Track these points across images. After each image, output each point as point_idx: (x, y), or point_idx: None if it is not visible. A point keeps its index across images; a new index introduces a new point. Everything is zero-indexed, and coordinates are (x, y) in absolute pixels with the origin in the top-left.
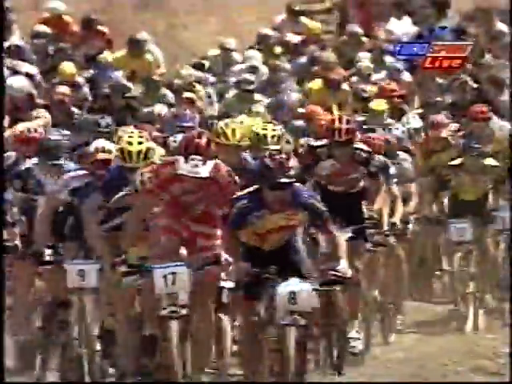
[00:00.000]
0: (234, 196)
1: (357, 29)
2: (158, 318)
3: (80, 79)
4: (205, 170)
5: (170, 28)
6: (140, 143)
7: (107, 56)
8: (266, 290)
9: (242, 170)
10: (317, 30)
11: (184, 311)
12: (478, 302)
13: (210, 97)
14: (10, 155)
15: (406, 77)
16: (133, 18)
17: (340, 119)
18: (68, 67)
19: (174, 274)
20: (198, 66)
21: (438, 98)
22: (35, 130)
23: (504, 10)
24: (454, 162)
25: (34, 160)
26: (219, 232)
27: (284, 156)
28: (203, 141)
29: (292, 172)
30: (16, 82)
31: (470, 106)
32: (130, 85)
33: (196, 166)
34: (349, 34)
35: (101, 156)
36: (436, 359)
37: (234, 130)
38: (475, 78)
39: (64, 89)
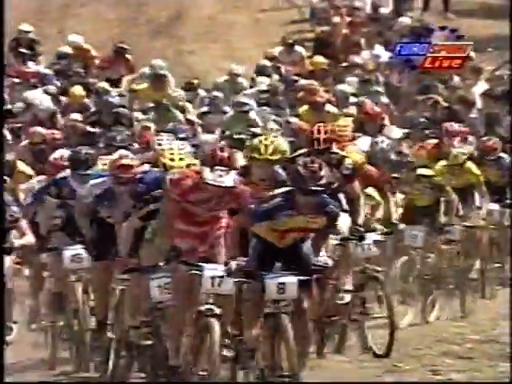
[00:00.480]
0: (269, 194)
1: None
2: (197, 313)
3: (87, 100)
4: (228, 180)
5: (179, 54)
6: (181, 159)
7: (132, 85)
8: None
9: (274, 182)
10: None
11: (218, 311)
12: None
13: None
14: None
15: (385, 99)
16: (146, 45)
17: (319, 129)
18: (78, 90)
19: (221, 277)
20: (188, 87)
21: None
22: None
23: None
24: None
25: (68, 171)
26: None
27: (317, 165)
28: (226, 153)
29: (324, 180)
30: (44, 102)
31: (441, 122)
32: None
33: (220, 175)
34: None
35: (124, 161)
36: (410, 344)
37: (266, 146)
38: (445, 98)
39: (75, 115)
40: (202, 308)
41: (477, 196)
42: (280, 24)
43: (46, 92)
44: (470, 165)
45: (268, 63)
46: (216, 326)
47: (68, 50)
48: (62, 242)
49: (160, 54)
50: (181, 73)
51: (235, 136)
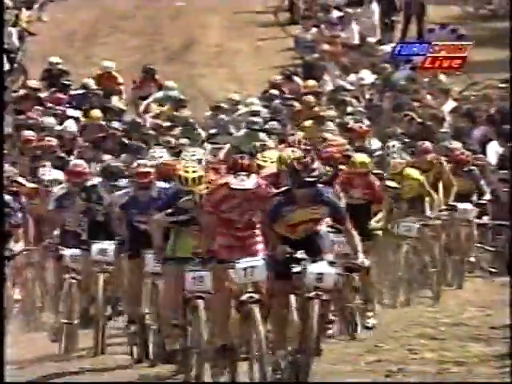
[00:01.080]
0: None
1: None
2: (240, 303)
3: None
4: (249, 183)
5: (190, 77)
6: (194, 171)
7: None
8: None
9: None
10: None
11: (258, 297)
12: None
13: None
14: None
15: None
16: (161, 69)
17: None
18: (95, 113)
19: (252, 267)
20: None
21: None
22: None
23: None
24: None
25: (99, 179)
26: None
27: (309, 159)
28: (246, 161)
29: (316, 172)
30: (69, 127)
31: (416, 136)
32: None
33: (243, 180)
34: None
35: (142, 169)
36: (390, 327)
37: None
38: (419, 115)
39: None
40: (244, 297)
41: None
42: (277, 51)
43: (72, 116)
44: (408, 171)
45: (275, 92)
46: (257, 310)
47: (91, 82)
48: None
49: (174, 77)
50: (192, 94)
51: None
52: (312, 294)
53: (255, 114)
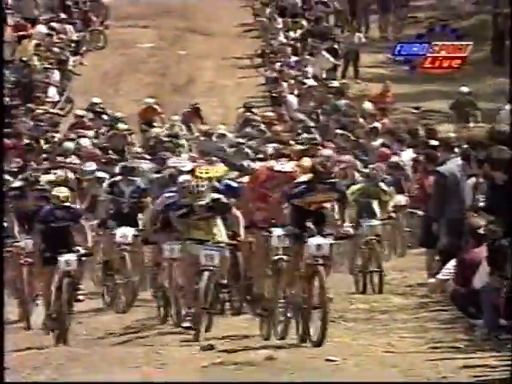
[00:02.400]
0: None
1: None
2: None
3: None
4: (288, 167)
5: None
6: (206, 173)
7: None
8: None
9: None
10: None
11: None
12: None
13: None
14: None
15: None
16: (169, 99)
17: None
18: (121, 125)
19: (285, 235)
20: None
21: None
22: None
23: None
24: None
25: (120, 177)
26: None
27: (329, 164)
28: (286, 151)
29: (333, 174)
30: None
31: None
32: None
33: (282, 164)
34: None
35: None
36: (336, 287)
37: None
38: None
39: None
40: (276, 258)
41: None
42: (253, 86)
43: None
44: None
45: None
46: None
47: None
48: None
49: (178, 105)
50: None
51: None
52: (314, 261)
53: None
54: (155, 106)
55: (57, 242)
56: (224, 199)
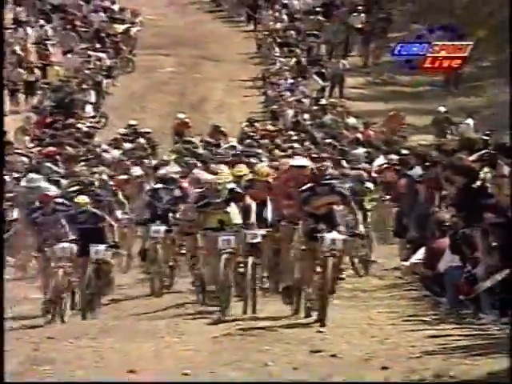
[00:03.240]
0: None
1: None
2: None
3: None
4: (304, 162)
5: (204, 120)
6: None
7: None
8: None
9: None
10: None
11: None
12: None
13: None
14: None
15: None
16: (187, 115)
17: None
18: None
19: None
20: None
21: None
22: None
23: None
24: None
25: (159, 184)
26: None
27: (324, 168)
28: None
29: (328, 176)
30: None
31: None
32: None
33: (299, 160)
34: None
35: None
36: None
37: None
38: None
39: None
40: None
41: None
42: (255, 103)
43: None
44: None
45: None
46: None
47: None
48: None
49: (194, 120)
50: (205, 130)
51: None
52: (328, 253)
53: (233, 146)
54: (186, 121)
55: (87, 238)
56: (238, 189)
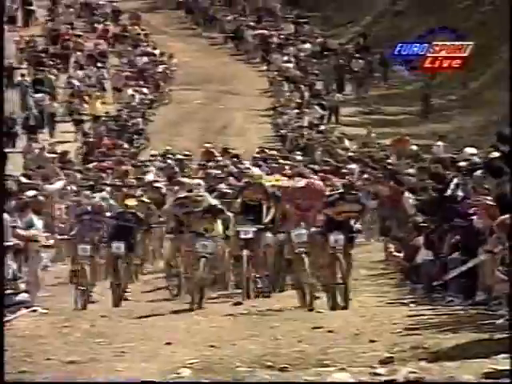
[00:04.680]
0: (329, 193)
1: None
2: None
3: None
4: (301, 183)
5: (226, 142)
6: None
7: None
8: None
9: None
10: None
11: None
12: None
13: None
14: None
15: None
16: (213, 138)
17: None
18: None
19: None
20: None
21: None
22: None
23: None
24: None
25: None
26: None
27: (351, 183)
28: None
29: (355, 190)
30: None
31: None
32: None
33: (297, 181)
34: None
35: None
36: None
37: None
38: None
39: None
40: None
41: None
42: (269, 129)
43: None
44: None
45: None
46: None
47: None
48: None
49: (218, 143)
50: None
51: None
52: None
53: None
54: (211, 150)
55: (122, 234)
56: (219, 205)
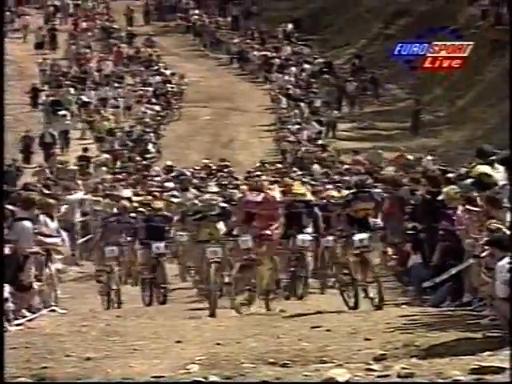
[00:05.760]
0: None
1: None
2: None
3: None
4: (259, 198)
5: (232, 155)
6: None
7: None
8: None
9: None
10: None
11: None
12: None
13: None
14: None
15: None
16: (219, 152)
17: None
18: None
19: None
20: None
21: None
22: None
23: None
24: None
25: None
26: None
27: (362, 181)
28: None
29: (367, 188)
30: None
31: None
32: None
33: (256, 195)
34: None
35: None
36: None
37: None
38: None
39: None
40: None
41: None
42: (270, 143)
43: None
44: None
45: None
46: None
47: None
48: None
49: (223, 154)
50: (232, 163)
51: None
52: (358, 251)
53: None
54: (210, 165)
55: (157, 235)
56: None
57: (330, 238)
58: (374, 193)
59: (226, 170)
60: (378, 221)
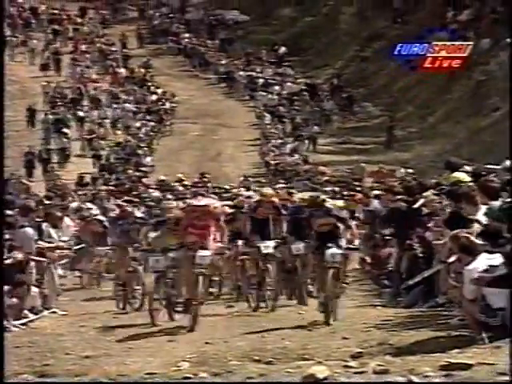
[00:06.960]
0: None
1: None
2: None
3: None
4: (203, 202)
5: (220, 168)
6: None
7: None
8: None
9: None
10: None
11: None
12: None
13: None
14: None
15: None
16: (208, 164)
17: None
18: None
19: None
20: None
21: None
22: None
23: None
24: None
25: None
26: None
27: (319, 199)
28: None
29: (324, 204)
30: None
31: None
32: None
33: (198, 200)
34: None
35: None
36: None
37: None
38: None
39: None
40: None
41: None
42: (255, 156)
43: None
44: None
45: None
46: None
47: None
48: None
49: (211, 168)
50: (219, 176)
51: None
52: (329, 265)
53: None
54: (183, 178)
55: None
56: None
57: (301, 245)
58: (331, 209)
59: (200, 185)
60: (356, 242)
